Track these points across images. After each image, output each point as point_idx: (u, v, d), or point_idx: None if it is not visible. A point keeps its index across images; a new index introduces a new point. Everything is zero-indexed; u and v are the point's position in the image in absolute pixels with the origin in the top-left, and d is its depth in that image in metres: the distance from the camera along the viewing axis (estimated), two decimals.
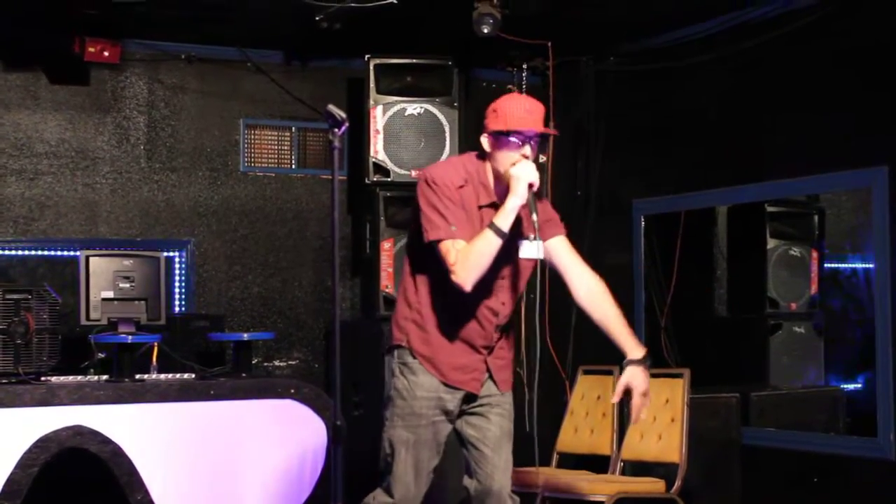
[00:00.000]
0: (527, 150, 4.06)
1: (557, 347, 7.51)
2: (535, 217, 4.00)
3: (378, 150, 6.79)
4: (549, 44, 7.17)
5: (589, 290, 4.26)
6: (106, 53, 6.70)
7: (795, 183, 6.44)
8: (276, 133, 7.52)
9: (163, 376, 5.69)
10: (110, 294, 5.72)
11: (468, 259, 3.97)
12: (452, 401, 4.19)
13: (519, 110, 4.07)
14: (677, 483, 5.85)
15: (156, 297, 5.82)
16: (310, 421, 5.66)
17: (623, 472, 6.23)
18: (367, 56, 6.86)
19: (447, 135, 6.86)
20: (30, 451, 5.07)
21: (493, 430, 4.25)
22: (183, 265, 7.22)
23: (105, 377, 5.56)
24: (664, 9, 6.56)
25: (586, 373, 6.75)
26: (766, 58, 6.45)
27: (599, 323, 4.28)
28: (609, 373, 6.60)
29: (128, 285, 5.76)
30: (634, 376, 4.15)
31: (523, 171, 4.00)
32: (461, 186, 4.10)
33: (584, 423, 6.57)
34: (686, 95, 6.99)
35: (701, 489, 6.09)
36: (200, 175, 7.31)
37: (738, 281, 7.59)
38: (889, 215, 5.80)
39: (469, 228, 4.04)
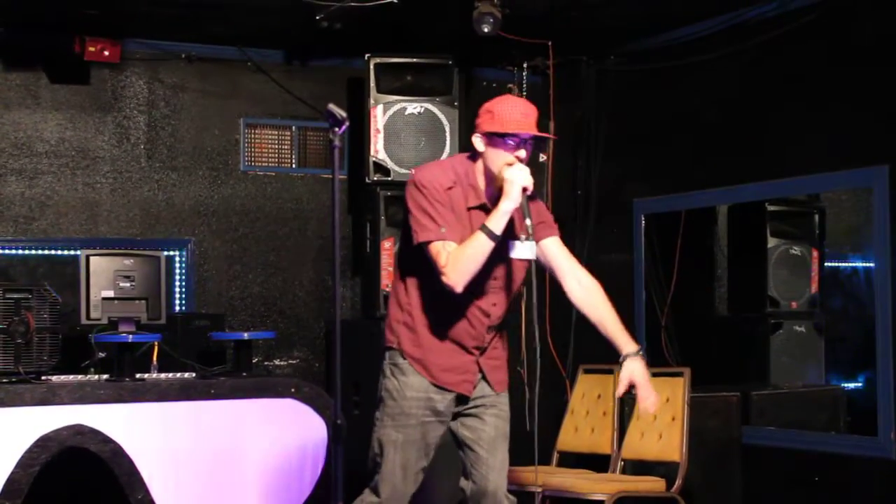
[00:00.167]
0: (522, 152, 4.06)
1: (558, 347, 7.51)
2: (528, 221, 3.99)
3: (378, 149, 6.79)
4: (550, 43, 7.17)
5: (584, 289, 4.28)
6: (106, 53, 6.71)
7: (796, 182, 6.44)
8: (276, 132, 7.52)
9: (163, 375, 5.69)
10: (111, 293, 5.72)
11: (459, 261, 3.96)
12: (443, 402, 4.18)
13: (515, 113, 4.07)
14: (678, 482, 5.85)
15: (156, 297, 5.82)
16: (310, 420, 5.66)
17: (623, 472, 6.23)
18: (367, 55, 6.86)
19: (447, 134, 6.86)
20: (30, 450, 5.07)
21: (488, 430, 4.24)
22: (183, 264, 7.22)
23: (105, 376, 5.56)
24: (664, 8, 6.56)
25: (587, 372, 6.75)
26: (767, 57, 6.45)
27: (594, 321, 4.32)
28: (609, 372, 6.59)
29: (128, 285, 5.76)
30: (634, 370, 4.19)
31: (517, 175, 3.99)
32: (450, 188, 4.10)
33: (584, 423, 6.57)
34: (686, 95, 6.99)
35: (701, 488, 6.09)
36: (201, 174, 7.31)
37: (739, 280, 7.59)
38: (889, 214, 5.80)
39: (458, 230, 4.03)
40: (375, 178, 6.81)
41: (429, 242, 4.02)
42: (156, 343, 5.75)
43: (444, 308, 4.12)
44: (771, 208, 7.30)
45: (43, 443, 5.09)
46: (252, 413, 5.58)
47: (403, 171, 6.77)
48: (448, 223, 4.03)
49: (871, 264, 6.04)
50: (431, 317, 4.15)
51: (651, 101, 7.25)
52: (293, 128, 7.53)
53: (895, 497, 5.71)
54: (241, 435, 5.53)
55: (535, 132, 4.09)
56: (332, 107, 3.79)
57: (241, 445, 5.51)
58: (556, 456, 6.61)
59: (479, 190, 4.13)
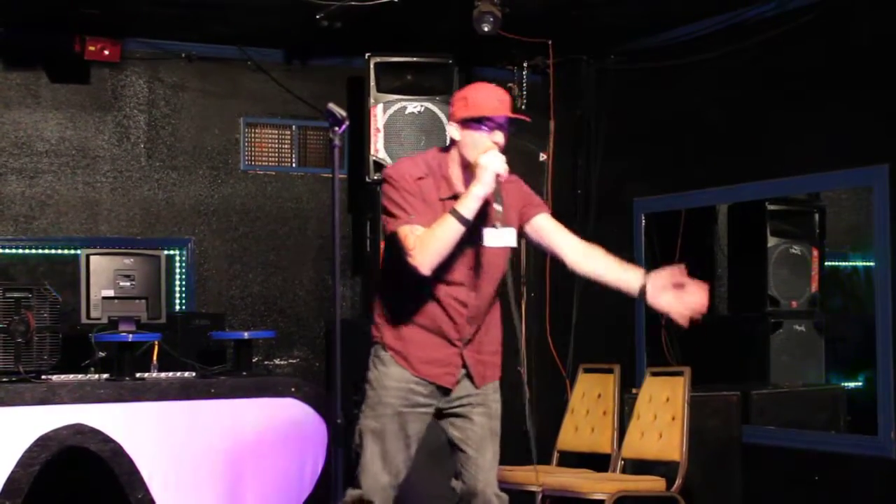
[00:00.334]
0: (498, 136, 4.05)
1: (558, 346, 7.51)
2: (498, 207, 3.96)
3: (378, 148, 6.79)
4: (550, 42, 7.17)
5: (581, 252, 4.22)
6: (106, 52, 6.71)
7: (796, 181, 6.44)
8: (276, 131, 7.52)
9: (163, 375, 5.70)
10: (111, 293, 5.73)
11: (426, 243, 3.95)
12: (424, 394, 4.16)
13: (490, 98, 4.07)
14: (678, 481, 5.86)
15: (156, 296, 5.83)
16: (310, 419, 5.66)
17: (624, 471, 6.23)
18: (367, 54, 6.86)
19: (447, 133, 6.85)
20: (30, 449, 5.07)
21: (476, 430, 4.21)
22: (183, 264, 7.22)
23: (105, 376, 5.56)
24: (664, 8, 6.56)
25: (587, 371, 6.75)
26: (766, 56, 6.45)
27: (600, 273, 4.20)
28: (609, 371, 6.61)
29: (128, 284, 5.76)
30: (663, 286, 4.19)
31: (491, 161, 3.97)
32: (420, 178, 4.09)
33: (584, 422, 6.58)
34: (686, 94, 6.99)
35: (701, 488, 6.09)
36: (201, 174, 7.31)
37: (739, 279, 7.58)
38: (890, 213, 5.80)
39: (430, 218, 4.01)
40: (375, 178, 6.80)
41: (397, 229, 4.03)
42: (156, 342, 5.75)
43: (423, 300, 4.12)
44: (771, 207, 7.30)
45: (43, 442, 5.09)
46: (252, 413, 5.59)
47: None
48: (418, 211, 4.02)
49: (871, 263, 6.03)
50: (411, 309, 4.14)
51: (651, 100, 7.25)
52: (293, 127, 7.54)
53: (895, 496, 5.71)
54: (241, 434, 5.53)
55: (510, 114, 4.08)
56: (331, 106, 3.79)
57: (241, 445, 5.51)
58: (556, 455, 6.61)
59: (451, 181, 4.12)
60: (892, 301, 5.78)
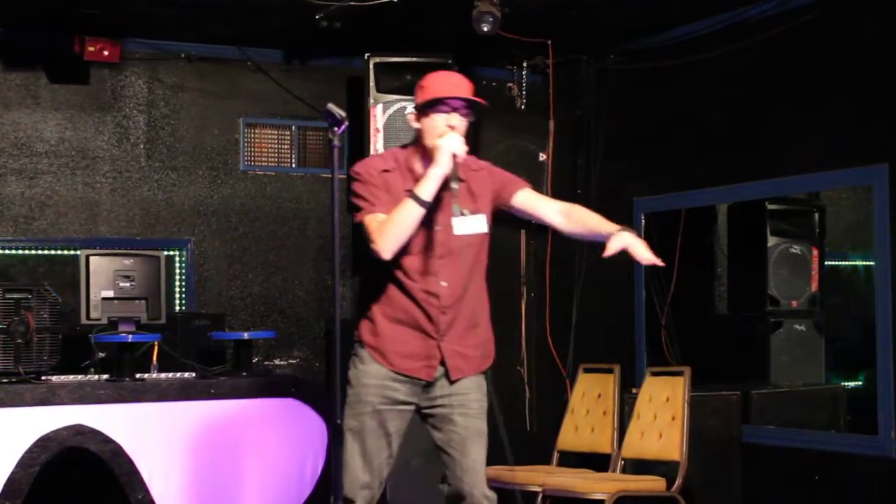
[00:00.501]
0: (454, 118, 4.07)
1: (558, 346, 7.51)
2: (454, 185, 3.98)
3: (378, 148, 6.78)
4: (550, 42, 7.17)
5: (564, 214, 4.22)
6: (106, 52, 6.71)
7: (796, 180, 6.44)
8: (276, 132, 7.52)
9: (163, 375, 5.70)
10: (110, 293, 5.73)
11: (385, 227, 3.97)
12: (403, 390, 4.15)
13: (444, 82, 4.11)
14: (678, 481, 5.85)
15: (156, 297, 5.83)
16: (310, 419, 5.66)
17: (624, 471, 6.23)
18: (366, 55, 6.86)
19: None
20: (30, 450, 5.07)
21: (459, 431, 4.18)
22: (183, 264, 7.22)
23: (105, 376, 5.56)
24: (664, 7, 6.56)
25: (587, 371, 6.75)
26: (766, 56, 6.45)
27: (581, 229, 4.19)
28: (609, 371, 6.61)
29: (128, 284, 5.76)
30: (622, 238, 4.03)
31: (447, 142, 4.01)
32: (385, 171, 4.12)
33: (584, 422, 6.57)
34: (686, 93, 6.99)
35: (702, 487, 6.09)
36: (200, 174, 7.31)
37: (739, 279, 7.58)
38: (890, 212, 5.80)
39: (392, 208, 4.03)
40: None
41: (362, 220, 4.04)
42: (156, 343, 5.76)
43: (396, 294, 4.12)
44: (771, 207, 7.30)
45: (43, 443, 5.09)
46: (252, 413, 5.59)
47: None
48: (382, 202, 4.05)
49: (872, 262, 6.03)
50: (385, 303, 4.14)
51: (651, 99, 7.25)
52: (293, 127, 7.53)
53: (895, 496, 5.70)
54: (241, 435, 5.53)
55: (466, 95, 4.10)
56: (331, 106, 3.79)
57: (241, 445, 5.52)
58: (556, 455, 6.61)
59: (416, 172, 4.13)
60: (892, 300, 5.77)
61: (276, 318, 7.40)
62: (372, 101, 6.83)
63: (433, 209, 4.05)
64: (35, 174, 6.93)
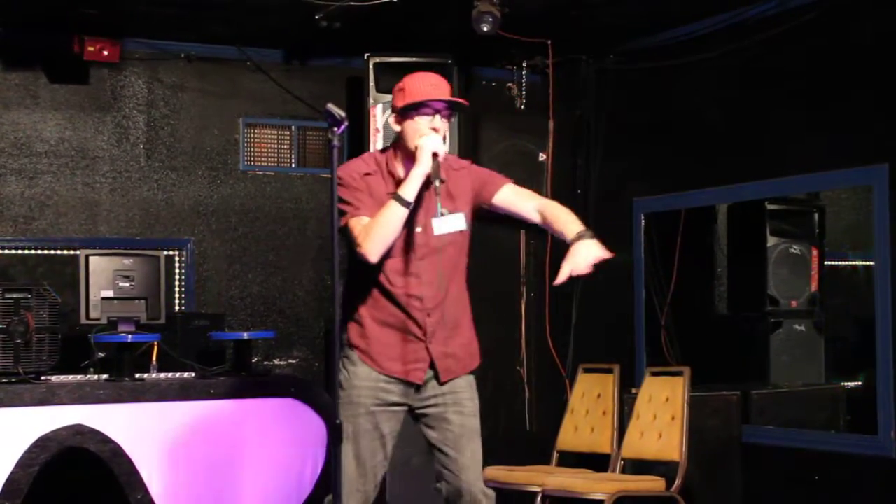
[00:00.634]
0: (437, 121, 4.08)
1: (558, 346, 7.51)
2: (437, 183, 3.99)
3: (377, 148, 6.78)
4: (549, 42, 7.17)
5: (539, 212, 4.21)
6: (105, 52, 6.71)
7: (796, 181, 6.44)
8: (275, 132, 7.52)
9: (163, 375, 5.70)
10: (110, 293, 5.73)
11: (371, 230, 3.98)
12: (395, 391, 4.15)
13: (425, 84, 4.09)
14: (678, 481, 5.86)
15: (155, 297, 5.83)
16: (310, 420, 5.66)
17: (623, 471, 6.23)
18: (366, 55, 6.86)
19: (446, 133, 6.84)
20: (30, 450, 5.07)
21: (454, 430, 4.18)
22: (183, 264, 7.22)
23: (105, 376, 5.56)
24: (664, 7, 6.56)
25: (586, 371, 6.75)
26: (766, 55, 6.45)
27: (552, 228, 4.17)
28: (609, 371, 6.61)
29: (127, 284, 5.76)
30: (576, 251, 3.98)
31: (427, 141, 4.02)
32: (367, 174, 4.12)
33: (584, 422, 6.57)
34: (686, 94, 6.99)
35: (701, 487, 6.09)
36: (200, 174, 7.31)
37: (739, 279, 7.58)
38: (889, 212, 5.79)
39: (377, 211, 4.03)
40: None
41: (347, 224, 4.04)
42: (155, 343, 5.75)
43: (381, 296, 4.12)
44: (771, 207, 7.30)
45: (42, 443, 5.09)
46: (252, 413, 5.59)
47: None
48: (365, 205, 4.05)
49: (871, 262, 6.03)
50: (372, 306, 4.14)
51: (651, 99, 7.25)
52: (292, 127, 7.53)
53: (895, 496, 5.70)
54: (241, 435, 5.53)
55: (447, 97, 4.10)
56: (331, 106, 3.79)
57: (241, 445, 5.51)
58: (555, 455, 6.61)
59: (397, 175, 4.14)
60: (891, 300, 5.77)
61: (276, 319, 7.39)
62: (372, 101, 6.83)
63: (413, 210, 4.05)
64: (35, 174, 6.93)
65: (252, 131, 7.46)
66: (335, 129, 3.78)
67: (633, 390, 6.47)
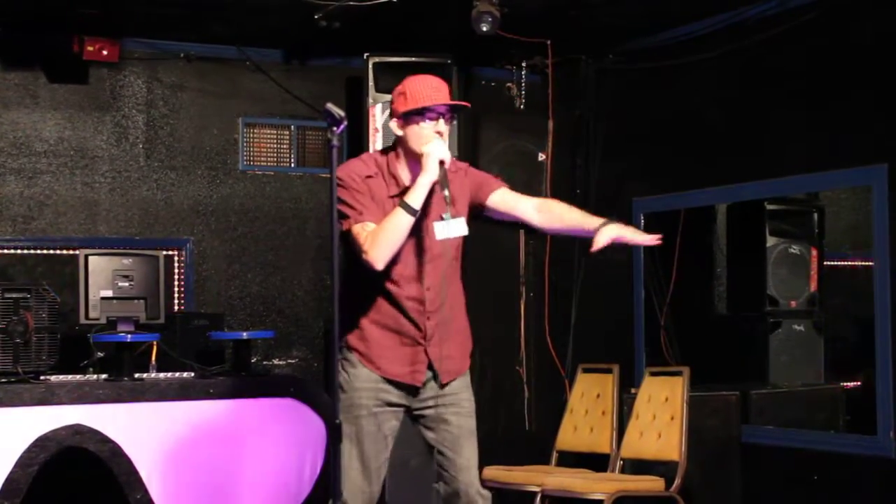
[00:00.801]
0: (440, 125, 4.07)
1: (557, 346, 7.51)
2: (446, 193, 3.99)
3: (377, 148, 6.78)
4: (549, 42, 7.17)
5: (540, 210, 4.23)
6: (105, 52, 6.70)
7: (795, 181, 6.44)
8: (275, 132, 7.51)
9: (162, 375, 5.69)
10: (109, 293, 5.73)
11: (377, 237, 3.97)
12: (395, 392, 4.15)
13: (427, 88, 4.08)
14: (677, 481, 5.86)
15: (155, 296, 5.82)
16: (309, 419, 5.66)
17: (622, 471, 6.23)
18: (366, 54, 6.85)
19: (446, 133, 6.84)
20: (29, 450, 5.06)
21: (452, 430, 4.18)
22: (182, 264, 7.22)
23: (104, 376, 5.56)
24: (663, 7, 6.56)
25: (586, 371, 6.75)
26: (766, 56, 6.45)
27: (560, 224, 4.23)
28: (608, 371, 6.61)
29: (127, 284, 5.76)
30: (610, 230, 4.09)
31: (434, 148, 4.01)
32: (368, 177, 4.11)
33: (583, 422, 6.57)
34: (685, 94, 6.99)
35: (701, 487, 6.09)
36: (199, 174, 7.31)
37: (738, 279, 7.58)
38: (889, 213, 5.80)
39: (380, 216, 4.03)
40: None
41: (350, 228, 4.03)
42: (154, 343, 5.75)
43: (381, 300, 4.12)
44: (770, 207, 7.30)
45: (42, 442, 5.09)
46: (251, 413, 5.58)
47: None
48: (368, 209, 4.04)
49: (871, 263, 6.03)
50: (372, 310, 4.14)
51: (650, 99, 7.25)
52: (292, 127, 7.53)
53: (894, 496, 5.70)
54: (240, 434, 5.53)
55: (449, 102, 4.10)
56: (330, 106, 3.78)
57: (240, 445, 5.51)
58: (555, 455, 6.61)
59: (399, 178, 4.13)
60: (891, 301, 5.77)
61: (275, 318, 7.39)
62: (371, 100, 6.83)
63: (419, 216, 4.04)
64: (34, 174, 6.92)
65: (251, 131, 7.46)
66: (334, 128, 3.78)
67: (633, 390, 6.47)
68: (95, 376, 5.60)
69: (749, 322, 7.41)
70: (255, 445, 5.54)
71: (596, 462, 6.41)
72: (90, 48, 6.66)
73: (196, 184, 7.29)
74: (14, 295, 5.32)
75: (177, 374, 5.72)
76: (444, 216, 4.03)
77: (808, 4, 6.14)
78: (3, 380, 5.22)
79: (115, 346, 5.55)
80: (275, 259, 7.46)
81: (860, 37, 5.97)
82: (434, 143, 4.03)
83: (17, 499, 4.99)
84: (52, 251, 6.91)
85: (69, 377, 5.54)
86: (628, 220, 7.21)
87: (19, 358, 5.26)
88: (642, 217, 7.21)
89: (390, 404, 4.16)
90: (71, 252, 6.71)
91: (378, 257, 3.98)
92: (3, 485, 4.99)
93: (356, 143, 7.01)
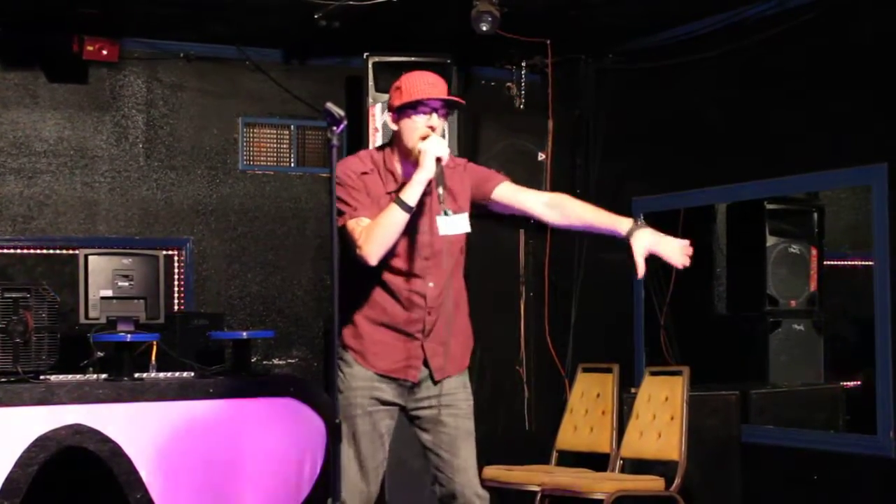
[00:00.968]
0: (434, 119, 4.07)
1: (557, 345, 7.51)
2: (440, 190, 3.98)
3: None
4: (549, 42, 7.16)
5: (553, 205, 4.21)
6: (105, 52, 6.70)
7: (795, 180, 6.44)
8: (274, 131, 7.51)
9: (162, 375, 5.69)
10: (109, 293, 5.72)
11: (372, 233, 3.97)
12: (389, 391, 4.14)
13: (422, 83, 4.08)
14: (677, 481, 5.86)
15: (155, 296, 5.82)
16: (309, 419, 5.65)
17: (622, 470, 6.23)
18: (365, 54, 6.86)
19: (446, 133, 6.84)
20: (29, 449, 5.06)
21: (448, 431, 4.16)
22: (182, 264, 7.22)
23: (104, 376, 5.55)
24: (663, 7, 6.56)
25: (586, 370, 6.75)
26: (765, 55, 6.45)
27: (578, 222, 4.20)
28: (608, 371, 6.61)
29: (127, 284, 5.76)
30: (643, 240, 4.15)
31: (431, 145, 4.00)
32: (364, 173, 4.11)
33: (583, 421, 6.57)
34: (685, 93, 6.99)
35: (701, 487, 6.09)
36: (199, 173, 7.31)
37: (738, 279, 7.58)
38: (889, 212, 5.80)
39: (376, 212, 4.03)
40: None
41: (345, 224, 4.03)
42: (154, 342, 5.75)
43: (379, 296, 4.11)
44: (770, 207, 7.30)
45: (41, 442, 5.09)
46: (251, 412, 5.58)
47: None
48: (363, 205, 4.04)
49: (871, 262, 6.03)
50: (366, 306, 4.14)
51: (650, 99, 7.25)
52: (292, 127, 7.53)
53: (894, 495, 5.70)
54: (240, 434, 5.52)
55: (444, 96, 4.09)
56: (330, 106, 3.78)
57: (240, 445, 5.51)
58: (555, 455, 6.61)
59: (397, 174, 4.13)
60: (891, 300, 5.77)
61: (275, 318, 7.39)
62: (371, 100, 6.83)
63: (418, 212, 4.04)
64: (34, 173, 6.92)
65: (251, 131, 7.46)
66: (334, 128, 3.78)
67: (633, 390, 6.47)
68: (95, 376, 5.60)
69: (749, 322, 7.41)
70: (254, 445, 5.54)
71: (596, 462, 6.41)
72: (90, 48, 6.65)
73: (196, 183, 7.29)
74: (14, 295, 5.32)
75: (177, 374, 5.72)
76: (446, 212, 4.03)
77: (807, 4, 6.14)
78: (3, 380, 5.22)
79: (115, 345, 5.55)
80: (275, 259, 7.46)
81: (859, 37, 5.97)
82: (431, 139, 4.02)
83: (17, 499, 4.99)
84: (51, 251, 6.91)
85: (69, 377, 5.54)
86: None
87: (19, 358, 5.26)
88: (642, 217, 7.19)
89: (385, 403, 4.15)
90: (71, 252, 6.71)
91: (371, 252, 3.97)
92: (3, 485, 4.99)
93: (356, 142, 7.01)
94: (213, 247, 7.33)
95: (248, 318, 7.35)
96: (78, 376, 5.60)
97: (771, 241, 7.31)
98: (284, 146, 7.53)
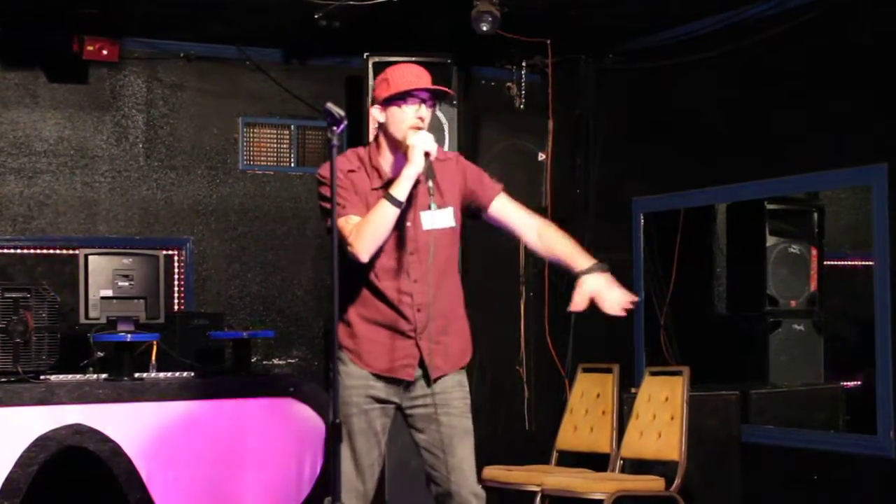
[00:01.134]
0: (423, 110, 4.07)
1: (557, 345, 7.51)
2: (430, 184, 3.97)
3: None
4: (549, 42, 7.17)
5: (538, 234, 4.21)
6: (105, 52, 6.71)
7: (795, 180, 6.44)
8: (275, 131, 7.52)
9: (162, 375, 5.70)
10: (109, 292, 5.73)
11: (362, 230, 3.96)
12: (384, 389, 4.13)
13: (409, 74, 4.10)
14: (677, 481, 5.85)
15: (155, 296, 5.82)
16: (309, 419, 5.66)
17: (622, 471, 6.23)
18: (365, 54, 6.85)
19: (446, 133, 6.85)
20: (29, 449, 5.07)
21: (443, 431, 4.14)
22: (182, 264, 7.22)
23: (104, 376, 5.56)
24: (663, 7, 6.56)
25: (586, 371, 6.75)
26: (765, 55, 6.45)
27: (548, 254, 4.22)
28: (608, 371, 6.60)
29: (127, 284, 5.76)
30: (589, 283, 4.11)
31: (419, 140, 4.00)
32: (351, 171, 4.10)
33: (583, 421, 6.57)
34: (685, 93, 6.99)
35: (701, 487, 6.09)
36: (199, 173, 7.31)
37: (738, 279, 7.58)
38: (889, 212, 5.80)
39: (364, 209, 4.02)
40: None
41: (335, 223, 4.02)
42: (154, 342, 5.75)
43: (369, 294, 4.10)
44: (770, 207, 7.30)
45: (42, 442, 5.09)
46: (251, 412, 5.59)
47: None
48: (351, 203, 4.03)
49: (871, 262, 6.03)
50: (360, 305, 4.13)
51: (650, 99, 7.25)
52: (292, 127, 7.53)
53: (894, 495, 5.71)
54: (240, 434, 5.53)
55: (431, 86, 4.10)
56: (330, 105, 3.78)
57: (240, 445, 5.51)
58: (555, 455, 6.61)
59: (382, 170, 4.12)
60: (891, 300, 5.77)
61: (275, 318, 7.39)
62: (371, 100, 6.81)
63: (405, 207, 4.03)
64: (34, 173, 6.93)
65: (251, 131, 7.46)
66: (334, 128, 3.78)
67: (633, 390, 6.47)
68: (95, 376, 5.61)
69: (749, 322, 7.41)
70: (254, 445, 5.54)
71: (596, 462, 6.40)
72: (90, 48, 6.66)
73: (196, 183, 7.29)
74: (14, 294, 5.33)
75: (177, 374, 5.72)
76: (430, 206, 4.01)
77: (807, 4, 6.14)
78: (3, 379, 5.23)
79: (115, 345, 5.55)
80: (275, 259, 7.46)
81: (859, 37, 5.97)
82: (419, 135, 4.01)
83: (16, 498, 4.99)
84: (51, 251, 6.91)
85: (69, 377, 5.54)
86: (628, 220, 7.25)
87: (19, 357, 5.26)
88: (642, 217, 7.21)
89: (380, 401, 4.14)
90: (71, 252, 6.71)
91: (363, 249, 3.96)
92: (3, 484, 5.00)
93: (356, 142, 6.97)
94: (213, 247, 7.33)
95: (248, 317, 7.35)
96: (78, 376, 5.60)
97: (771, 241, 7.31)
98: (284, 146, 7.53)
